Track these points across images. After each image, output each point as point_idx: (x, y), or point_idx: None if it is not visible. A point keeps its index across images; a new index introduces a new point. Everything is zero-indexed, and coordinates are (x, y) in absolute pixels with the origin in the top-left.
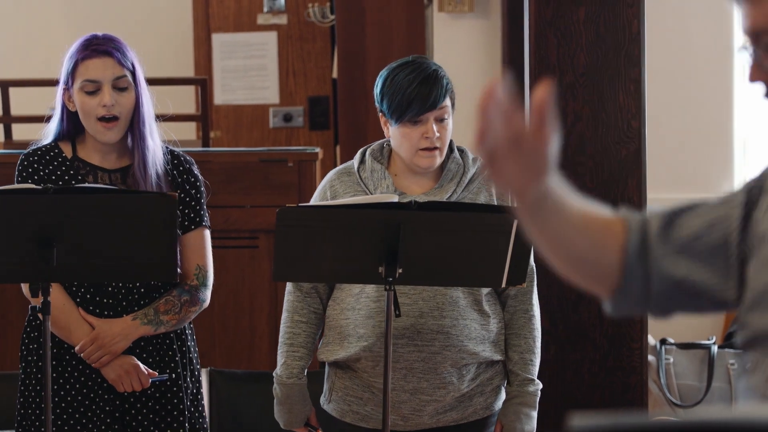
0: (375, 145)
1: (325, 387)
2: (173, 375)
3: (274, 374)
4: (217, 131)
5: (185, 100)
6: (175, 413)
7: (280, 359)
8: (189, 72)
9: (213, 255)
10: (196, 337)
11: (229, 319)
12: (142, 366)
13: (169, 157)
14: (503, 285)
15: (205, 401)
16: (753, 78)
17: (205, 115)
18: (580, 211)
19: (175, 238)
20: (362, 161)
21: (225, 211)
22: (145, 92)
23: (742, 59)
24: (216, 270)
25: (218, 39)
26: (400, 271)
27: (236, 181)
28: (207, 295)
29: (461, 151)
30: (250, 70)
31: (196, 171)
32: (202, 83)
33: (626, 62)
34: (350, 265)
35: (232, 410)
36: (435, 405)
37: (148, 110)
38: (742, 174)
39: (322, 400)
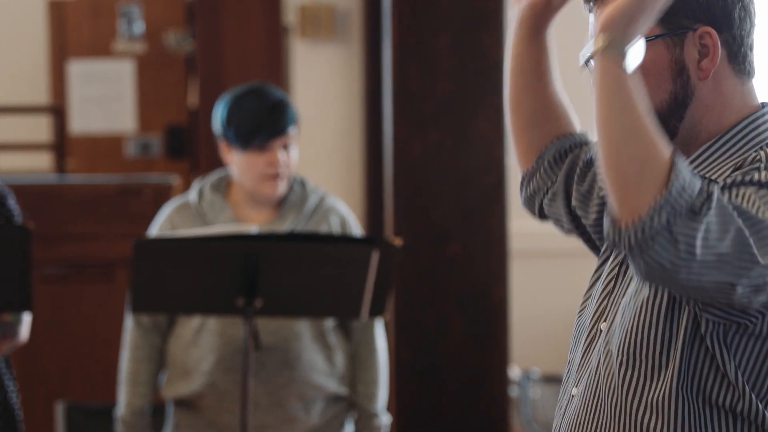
0: (213, 176)
1: (169, 424)
2: None
3: (116, 413)
4: (72, 160)
5: (39, 128)
6: None
7: (122, 398)
8: (43, 99)
9: (68, 286)
10: (52, 369)
11: (85, 351)
12: None
13: None
14: (365, 317)
15: None
16: None
17: (61, 144)
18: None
19: (30, 268)
20: (200, 194)
21: (81, 242)
22: None
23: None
24: (72, 301)
25: (74, 66)
26: (260, 302)
27: (92, 211)
28: (23, 330)
29: (300, 182)
30: (106, 98)
31: (11, 202)
32: (57, 111)
33: (488, 90)
34: (209, 297)
35: None
36: None
37: None
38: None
39: None
